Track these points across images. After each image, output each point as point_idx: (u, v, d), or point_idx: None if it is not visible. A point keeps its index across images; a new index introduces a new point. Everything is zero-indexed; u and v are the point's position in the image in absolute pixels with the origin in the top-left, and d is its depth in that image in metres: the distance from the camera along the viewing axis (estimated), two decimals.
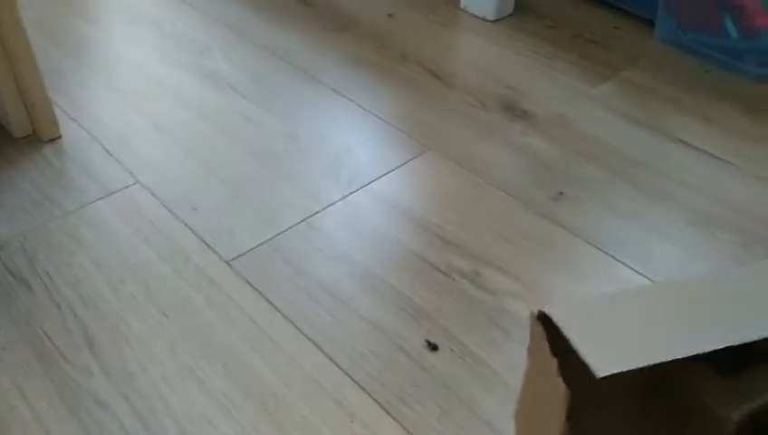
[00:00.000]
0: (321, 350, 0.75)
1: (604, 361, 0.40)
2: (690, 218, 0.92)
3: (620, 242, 0.88)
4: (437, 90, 1.15)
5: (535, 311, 0.44)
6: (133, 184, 0.95)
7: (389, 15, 1.34)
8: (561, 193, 0.95)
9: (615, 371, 0.39)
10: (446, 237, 0.88)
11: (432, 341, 0.75)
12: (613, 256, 0.86)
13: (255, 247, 0.86)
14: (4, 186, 0.94)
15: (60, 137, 1.01)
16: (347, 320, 0.78)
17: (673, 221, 0.92)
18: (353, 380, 0.72)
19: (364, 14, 1.35)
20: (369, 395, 0.70)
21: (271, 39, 1.26)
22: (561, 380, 0.41)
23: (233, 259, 0.84)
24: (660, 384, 0.51)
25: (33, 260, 0.84)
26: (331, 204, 0.93)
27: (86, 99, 1.10)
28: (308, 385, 0.71)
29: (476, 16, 1.34)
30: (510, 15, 1.36)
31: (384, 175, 0.98)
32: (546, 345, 0.43)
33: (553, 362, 0.42)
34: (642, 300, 0.46)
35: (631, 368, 0.40)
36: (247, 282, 0.81)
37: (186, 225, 0.89)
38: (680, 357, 0.41)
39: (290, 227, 0.89)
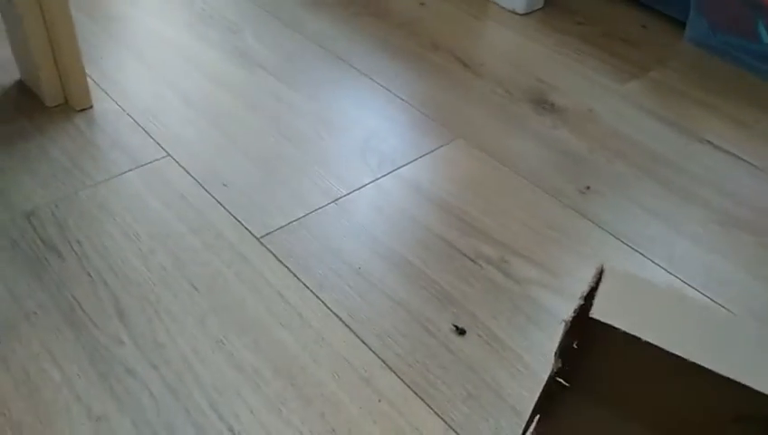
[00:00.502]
0: (350, 328, 0.75)
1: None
2: (716, 218, 0.92)
3: (646, 238, 0.89)
4: (467, 79, 1.15)
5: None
6: (164, 157, 0.95)
7: (421, 4, 1.34)
8: (588, 187, 0.96)
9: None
10: (474, 225, 0.89)
11: (459, 325, 0.76)
12: (639, 251, 0.87)
13: (285, 226, 0.86)
14: (36, 153, 0.94)
15: (91, 107, 1.02)
16: (375, 300, 0.78)
17: (699, 220, 0.92)
18: (381, 359, 0.72)
19: (396, 1, 1.35)
20: (397, 375, 0.71)
21: (302, 21, 1.26)
22: None
23: (263, 236, 0.84)
24: None
25: (63, 228, 0.84)
26: (361, 187, 0.93)
27: (116, 71, 1.10)
28: (336, 362, 0.72)
29: (506, 9, 1.34)
30: (539, 9, 1.36)
31: (413, 161, 0.98)
32: None
33: None
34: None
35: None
36: (278, 259, 0.82)
37: (216, 200, 0.89)
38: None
39: (320, 208, 0.89)
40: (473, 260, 0.84)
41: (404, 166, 0.97)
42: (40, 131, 0.98)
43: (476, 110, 1.09)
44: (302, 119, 1.04)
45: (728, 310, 0.80)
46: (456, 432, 0.67)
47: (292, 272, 0.81)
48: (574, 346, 0.55)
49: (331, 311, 0.77)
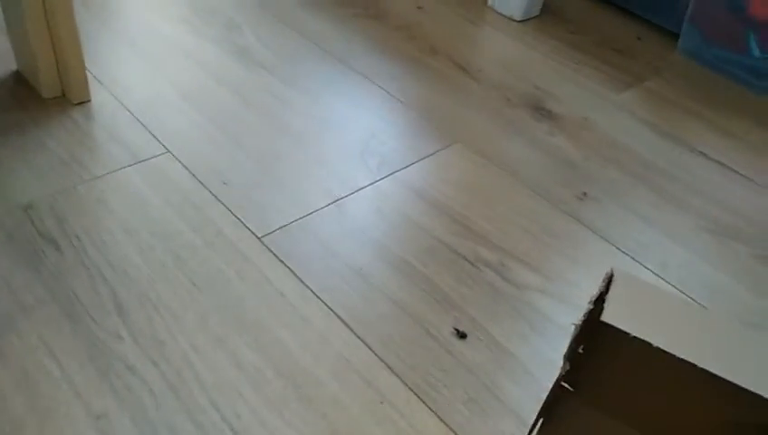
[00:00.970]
0: (351, 329, 0.75)
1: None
2: (708, 227, 0.94)
3: (642, 245, 0.90)
4: (465, 84, 1.16)
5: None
6: (163, 153, 0.94)
7: (419, 8, 1.35)
8: (585, 193, 0.97)
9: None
10: (473, 228, 0.89)
11: (460, 329, 0.76)
12: (635, 259, 0.88)
13: (286, 226, 0.86)
14: (32, 145, 0.93)
15: (89, 101, 1.01)
16: (376, 302, 0.78)
17: (692, 229, 0.93)
18: (383, 361, 0.73)
19: (395, 4, 1.35)
20: (399, 377, 0.71)
21: (302, 22, 1.26)
22: None
23: (264, 236, 0.84)
24: None
25: (62, 221, 0.83)
26: (360, 188, 0.93)
27: (114, 65, 1.09)
28: (338, 363, 0.72)
29: (503, 15, 1.35)
30: (536, 17, 1.37)
31: (412, 164, 0.98)
32: None
33: None
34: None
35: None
36: (279, 259, 0.82)
37: (216, 198, 0.89)
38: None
39: (320, 208, 0.89)
40: (472, 264, 0.84)
41: (403, 169, 0.98)
42: (36, 123, 0.96)
43: (474, 114, 1.09)
44: (300, 118, 1.04)
45: None
46: None
47: (293, 272, 0.81)
48: (579, 351, 0.56)
49: (333, 311, 0.77)
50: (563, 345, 0.78)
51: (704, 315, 0.51)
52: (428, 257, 0.85)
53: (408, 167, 0.98)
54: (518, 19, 1.34)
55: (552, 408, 0.57)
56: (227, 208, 0.87)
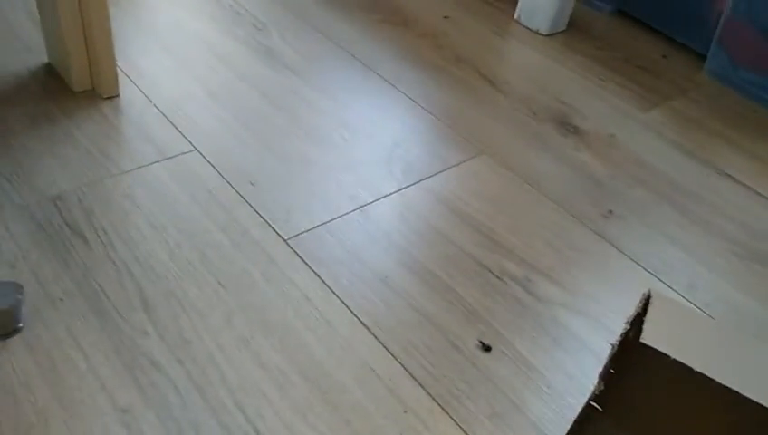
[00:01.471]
0: (376, 337, 0.75)
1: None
2: (736, 251, 0.94)
3: (668, 266, 0.90)
4: (491, 95, 1.16)
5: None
6: (190, 151, 0.94)
7: (445, 17, 1.35)
8: (610, 211, 0.97)
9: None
10: (498, 241, 0.89)
11: (485, 342, 0.76)
12: (661, 280, 0.88)
13: (312, 229, 0.86)
14: (61, 136, 0.93)
15: (118, 96, 1.01)
16: (401, 310, 0.78)
17: (718, 251, 0.93)
18: (407, 370, 0.72)
19: (422, 12, 1.35)
20: (423, 387, 0.71)
21: (328, 25, 1.26)
22: None
23: (290, 238, 0.84)
24: None
25: (89, 215, 0.83)
26: (386, 195, 0.93)
27: (143, 61, 1.10)
28: (362, 370, 0.72)
29: (530, 29, 1.35)
30: (562, 32, 1.37)
31: (438, 173, 0.98)
32: None
33: None
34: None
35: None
36: (305, 262, 0.82)
37: (243, 198, 0.89)
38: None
39: (345, 213, 0.89)
40: (498, 277, 0.84)
41: (429, 177, 0.97)
42: (66, 115, 0.97)
43: (500, 126, 1.09)
44: (327, 121, 1.04)
45: None
46: None
47: (318, 276, 0.80)
48: (611, 371, 0.55)
49: (357, 318, 0.77)
50: (585, 361, 0.78)
51: (745, 339, 0.50)
52: (453, 268, 0.84)
53: (433, 176, 0.98)
54: (545, 33, 1.34)
55: (581, 427, 0.57)
56: (254, 209, 0.87)
